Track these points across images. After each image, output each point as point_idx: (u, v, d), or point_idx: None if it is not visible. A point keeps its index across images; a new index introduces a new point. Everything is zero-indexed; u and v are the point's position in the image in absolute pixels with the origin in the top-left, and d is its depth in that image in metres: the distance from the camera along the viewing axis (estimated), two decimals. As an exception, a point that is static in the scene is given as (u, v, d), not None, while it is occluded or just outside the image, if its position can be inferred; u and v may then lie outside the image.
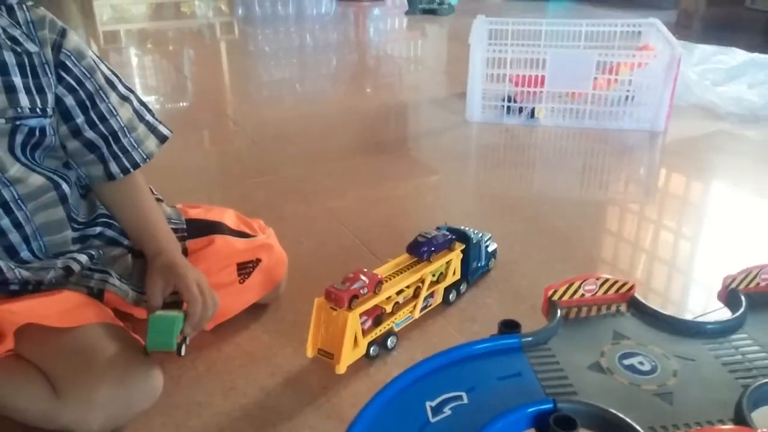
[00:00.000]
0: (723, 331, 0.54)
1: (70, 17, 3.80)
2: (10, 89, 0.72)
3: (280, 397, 0.81)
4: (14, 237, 0.75)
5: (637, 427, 0.42)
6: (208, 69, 2.76)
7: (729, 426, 0.42)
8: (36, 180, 0.76)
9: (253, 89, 2.51)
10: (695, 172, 1.62)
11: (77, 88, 0.77)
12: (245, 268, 0.93)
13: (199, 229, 0.93)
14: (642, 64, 1.78)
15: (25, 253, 0.77)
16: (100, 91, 0.79)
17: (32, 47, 0.74)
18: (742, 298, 0.57)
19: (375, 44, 3.37)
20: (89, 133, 0.79)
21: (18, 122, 0.73)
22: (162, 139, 0.86)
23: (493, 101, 1.86)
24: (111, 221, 0.87)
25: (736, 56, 2.19)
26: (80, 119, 0.78)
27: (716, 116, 1.93)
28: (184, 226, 0.92)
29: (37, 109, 0.74)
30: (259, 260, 0.94)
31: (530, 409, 0.44)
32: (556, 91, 1.82)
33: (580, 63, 1.75)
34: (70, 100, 0.77)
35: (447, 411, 0.45)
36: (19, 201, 0.75)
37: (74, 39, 0.77)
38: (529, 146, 1.77)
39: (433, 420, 0.44)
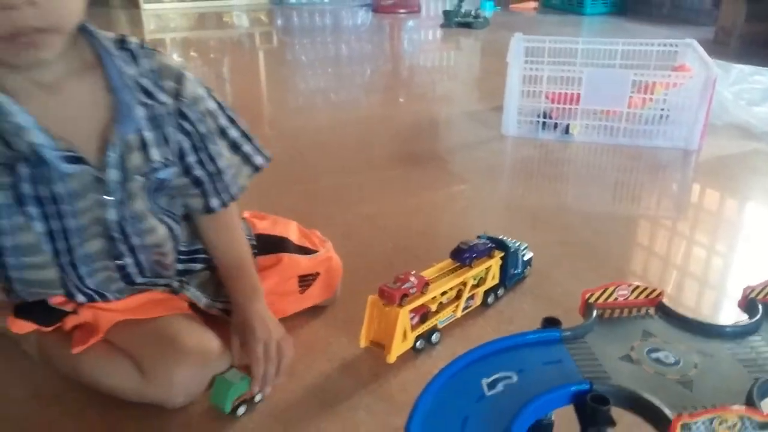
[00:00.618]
0: (740, 333, 0.61)
1: (118, 26, 3.98)
2: (144, 145, 0.76)
3: (337, 381, 0.91)
4: (132, 270, 0.84)
5: (662, 407, 0.50)
6: (247, 77, 2.88)
7: (740, 406, 0.50)
8: (160, 228, 0.83)
9: (290, 97, 2.62)
10: (728, 191, 1.68)
11: (192, 132, 0.81)
12: (306, 281, 1.03)
13: (267, 245, 1.02)
14: (677, 84, 1.85)
15: (137, 279, 0.86)
16: (211, 134, 0.83)
17: (164, 98, 0.77)
18: (760, 306, 0.64)
19: (409, 55, 3.47)
20: (198, 171, 0.83)
21: (151, 176, 0.78)
22: (255, 168, 0.90)
23: (529, 117, 1.94)
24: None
25: (772, 77, 2.24)
26: (192, 159, 0.82)
27: (751, 136, 1.98)
28: (254, 242, 1.01)
29: (167, 160, 0.79)
30: (318, 273, 1.03)
31: (571, 389, 0.52)
32: (591, 109, 1.89)
33: (616, 82, 1.81)
34: (186, 144, 0.81)
35: (500, 387, 0.53)
36: (145, 246, 0.82)
37: (189, 84, 0.80)
38: (563, 161, 1.85)
39: (488, 394, 0.53)
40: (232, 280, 0.91)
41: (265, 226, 1.05)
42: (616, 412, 0.53)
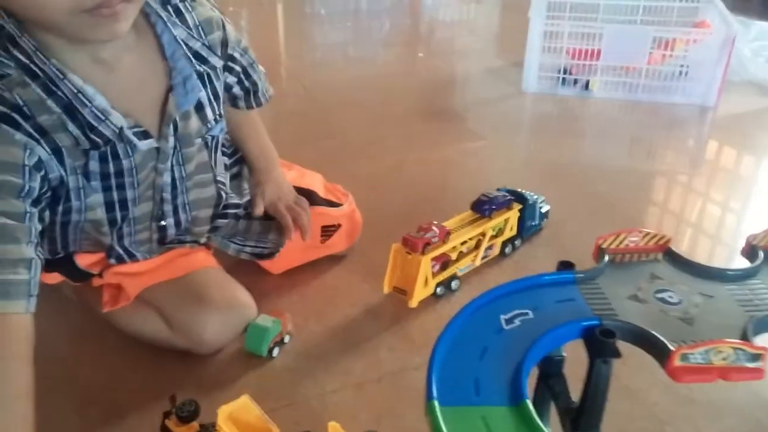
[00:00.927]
0: (741, 276, 0.66)
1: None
2: (200, 108, 0.80)
3: (362, 324, 0.97)
4: (171, 230, 0.88)
5: (664, 339, 0.55)
6: (266, 30, 2.90)
7: (736, 340, 0.55)
8: (211, 186, 0.89)
9: (309, 51, 2.64)
10: (742, 148, 1.70)
11: (236, 69, 0.89)
12: (328, 231, 1.08)
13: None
14: (697, 40, 1.84)
15: (170, 239, 0.90)
16: (251, 65, 0.92)
17: (216, 62, 0.80)
18: (761, 252, 0.69)
19: (429, 9, 3.44)
20: (237, 90, 0.93)
21: (207, 135, 0.83)
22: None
23: (549, 73, 1.95)
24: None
25: (794, 33, 2.21)
26: (236, 89, 0.93)
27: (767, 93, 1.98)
28: None
29: (218, 116, 0.84)
30: (340, 225, 1.09)
31: (582, 323, 0.57)
32: (611, 65, 1.89)
33: (636, 38, 1.82)
34: (231, 79, 0.90)
35: (517, 322, 0.59)
36: (191, 203, 0.87)
37: (228, 26, 0.83)
38: (582, 117, 1.87)
39: (506, 328, 0.58)
40: (253, 157, 1.03)
41: (293, 177, 1.11)
42: (622, 347, 0.58)
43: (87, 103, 0.67)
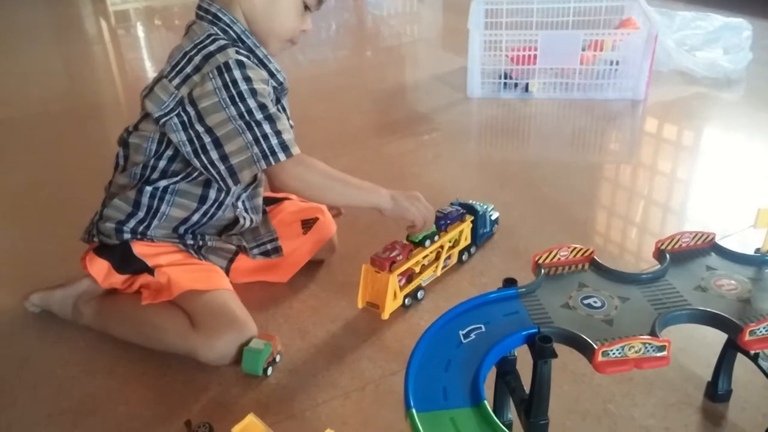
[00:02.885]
0: (652, 278, 0.80)
1: (80, 0, 3.97)
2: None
3: (342, 338, 1.09)
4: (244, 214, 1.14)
5: (588, 340, 0.69)
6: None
7: (645, 336, 0.69)
8: None
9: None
10: (670, 135, 1.87)
11: None
12: (307, 223, 1.25)
13: (273, 199, 1.26)
14: (622, 40, 2.01)
15: (245, 228, 1.17)
16: None
17: (281, 76, 1.09)
18: (667, 255, 0.83)
19: (373, 8, 3.54)
20: None
21: None
22: None
23: (491, 78, 2.09)
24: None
25: (713, 21, 2.39)
26: None
27: (693, 81, 2.16)
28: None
29: None
30: (317, 218, 1.25)
31: (523, 332, 0.71)
32: (548, 67, 2.05)
33: (568, 42, 1.98)
34: None
35: (473, 336, 0.72)
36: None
37: None
38: (524, 118, 2.02)
39: (464, 342, 0.71)
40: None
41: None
42: (558, 347, 0.72)
43: (269, 64, 1.06)
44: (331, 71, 2.58)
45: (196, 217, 1.09)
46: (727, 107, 2.02)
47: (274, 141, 0.97)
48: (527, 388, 0.74)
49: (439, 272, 1.22)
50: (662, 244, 0.86)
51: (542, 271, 0.82)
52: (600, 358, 0.67)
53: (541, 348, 0.69)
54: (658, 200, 1.57)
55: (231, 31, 1.02)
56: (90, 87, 2.57)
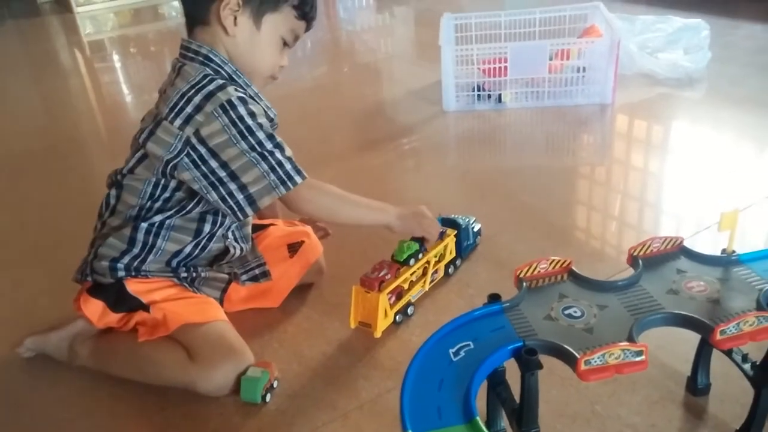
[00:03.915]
0: (627, 285, 0.85)
1: (53, 32, 3.97)
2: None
3: (337, 358, 1.13)
4: (233, 243, 1.18)
5: (571, 350, 0.73)
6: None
7: (623, 342, 0.73)
8: None
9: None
10: (639, 135, 1.94)
11: None
12: (293, 247, 1.28)
13: (259, 226, 1.29)
14: (586, 47, 2.08)
15: (235, 257, 1.20)
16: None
17: (272, 113, 1.13)
18: (640, 261, 0.88)
19: (346, 23, 3.59)
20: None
21: None
22: None
23: (465, 91, 2.14)
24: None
25: (673, 23, 2.45)
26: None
27: (656, 82, 2.23)
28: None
29: None
30: (302, 242, 1.28)
31: (509, 347, 0.75)
32: (518, 78, 2.11)
33: (536, 52, 2.03)
34: None
35: (462, 353, 0.76)
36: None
37: None
38: (499, 128, 2.08)
39: (454, 360, 0.75)
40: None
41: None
42: (543, 358, 0.76)
43: (260, 101, 1.10)
44: (310, 90, 2.62)
45: (188, 249, 1.12)
46: (691, 105, 2.09)
47: (288, 167, 1.03)
48: (517, 398, 0.78)
49: (427, 287, 1.26)
50: (635, 251, 0.91)
51: (524, 284, 0.87)
52: (583, 366, 0.72)
53: (527, 361, 0.73)
54: (632, 197, 1.63)
55: (223, 71, 1.06)
56: (70, 121, 2.57)
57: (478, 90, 2.13)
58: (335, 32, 3.51)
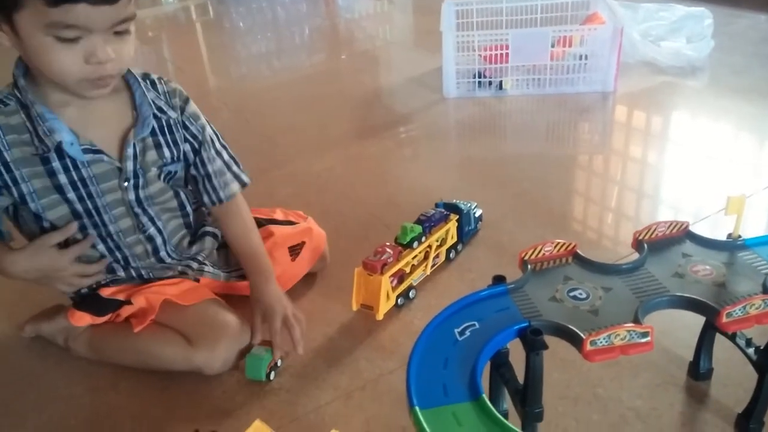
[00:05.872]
0: (632, 268, 0.85)
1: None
2: (158, 146, 1.02)
3: (339, 340, 1.13)
4: (159, 240, 1.08)
5: (577, 330, 0.73)
6: (188, 52, 2.99)
7: (629, 324, 0.74)
8: (174, 199, 1.09)
9: (235, 69, 2.76)
10: (640, 124, 1.94)
11: (192, 140, 1.05)
12: (295, 250, 1.25)
13: (259, 223, 1.23)
14: (589, 35, 2.07)
15: (163, 253, 1.09)
16: (205, 144, 1.06)
17: (172, 113, 1.02)
18: (645, 245, 0.88)
19: (344, 11, 3.56)
20: (194, 171, 1.08)
21: (164, 168, 1.03)
22: (243, 185, 1.14)
23: (466, 78, 2.13)
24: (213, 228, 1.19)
25: (676, 11, 2.45)
26: (191, 160, 1.07)
27: (659, 70, 2.23)
28: None
29: (174, 158, 1.04)
30: (304, 242, 1.25)
31: (515, 327, 0.75)
32: (520, 65, 2.10)
33: (538, 39, 2.02)
34: (187, 147, 1.06)
35: (467, 333, 0.76)
36: (163, 212, 1.07)
37: (192, 105, 1.06)
38: (499, 115, 2.07)
39: (460, 339, 0.75)
40: (248, 264, 1.13)
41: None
42: (548, 337, 0.76)
43: (44, 123, 0.91)
44: (309, 77, 2.60)
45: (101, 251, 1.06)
46: (693, 94, 2.09)
47: None
48: (521, 379, 0.78)
49: (428, 271, 1.26)
50: (640, 235, 0.90)
51: (528, 266, 0.86)
52: (588, 347, 0.71)
53: (533, 341, 0.73)
54: (632, 186, 1.63)
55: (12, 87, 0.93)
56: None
57: (479, 77, 2.12)
58: (333, 19, 3.49)
